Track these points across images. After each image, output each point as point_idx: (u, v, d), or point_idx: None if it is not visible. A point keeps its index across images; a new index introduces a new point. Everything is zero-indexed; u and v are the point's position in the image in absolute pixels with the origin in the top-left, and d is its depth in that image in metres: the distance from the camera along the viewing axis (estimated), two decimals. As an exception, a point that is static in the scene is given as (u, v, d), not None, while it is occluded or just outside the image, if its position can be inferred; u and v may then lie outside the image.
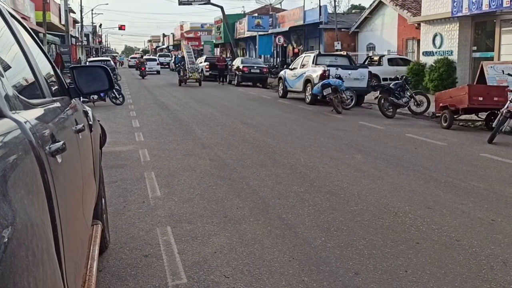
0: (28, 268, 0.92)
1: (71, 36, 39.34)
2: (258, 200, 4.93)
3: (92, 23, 67.45)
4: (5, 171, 0.99)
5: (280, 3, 43.35)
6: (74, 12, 50.80)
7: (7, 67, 1.61)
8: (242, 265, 3.35)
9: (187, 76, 24.61)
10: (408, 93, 12.83)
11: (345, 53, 21.06)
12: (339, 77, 13.97)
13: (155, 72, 39.71)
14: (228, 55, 41.54)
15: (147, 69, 34.38)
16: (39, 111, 1.66)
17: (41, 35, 27.32)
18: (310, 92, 15.42)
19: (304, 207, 4.68)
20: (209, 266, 3.34)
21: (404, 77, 13.45)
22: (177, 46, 77.56)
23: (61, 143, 1.56)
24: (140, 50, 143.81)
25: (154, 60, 43.13)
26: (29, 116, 1.44)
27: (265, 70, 25.76)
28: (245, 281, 3.12)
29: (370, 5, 27.01)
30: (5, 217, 0.88)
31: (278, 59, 36.36)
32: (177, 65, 32.27)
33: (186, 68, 24.88)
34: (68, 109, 2.31)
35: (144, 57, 46.79)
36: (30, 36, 2.27)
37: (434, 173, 6.19)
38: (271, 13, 39.66)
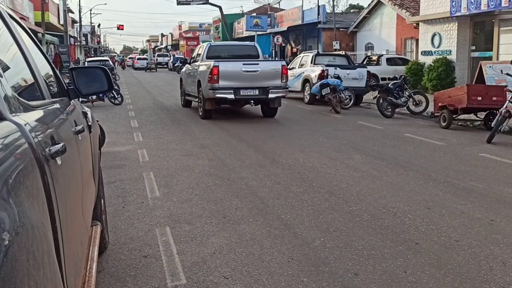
0: (29, 272, 0.92)
1: (70, 36, 39.33)
2: (257, 201, 4.93)
3: (91, 23, 67.29)
4: (6, 174, 0.99)
5: (279, 2, 43.35)
6: (72, 12, 50.79)
7: (6, 68, 1.60)
8: (241, 266, 3.35)
9: (149, 66, 47.64)
10: (406, 92, 12.83)
11: (343, 53, 21.05)
12: (338, 77, 13.97)
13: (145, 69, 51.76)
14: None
15: (139, 65, 51.73)
16: (39, 113, 1.65)
17: (39, 35, 27.32)
18: (309, 92, 15.42)
19: (303, 208, 4.68)
20: (208, 267, 3.34)
21: (402, 76, 13.46)
22: (175, 46, 77.43)
23: (61, 145, 1.56)
24: (139, 50, 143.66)
25: (145, 59, 56.60)
26: (29, 119, 1.44)
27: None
28: (244, 281, 3.12)
29: (369, 5, 27.05)
30: (5, 220, 0.88)
31: (276, 58, 36.34)
32: (174, 64, 44.51)
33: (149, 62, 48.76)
34: (67, 111, 2.31)
35: (137, 57, 60.76)
36: (29, 37, 2.27)
37: (433, 173, 6.19)
38: (269, 12, 39.66)
